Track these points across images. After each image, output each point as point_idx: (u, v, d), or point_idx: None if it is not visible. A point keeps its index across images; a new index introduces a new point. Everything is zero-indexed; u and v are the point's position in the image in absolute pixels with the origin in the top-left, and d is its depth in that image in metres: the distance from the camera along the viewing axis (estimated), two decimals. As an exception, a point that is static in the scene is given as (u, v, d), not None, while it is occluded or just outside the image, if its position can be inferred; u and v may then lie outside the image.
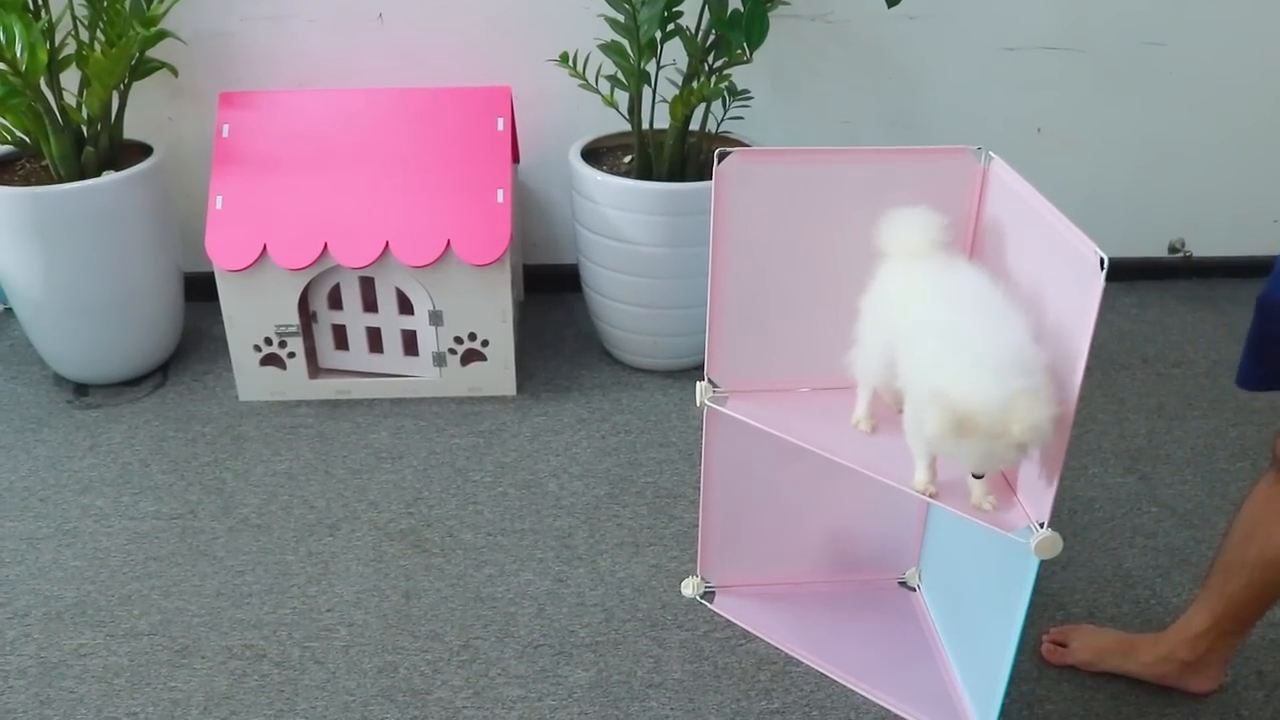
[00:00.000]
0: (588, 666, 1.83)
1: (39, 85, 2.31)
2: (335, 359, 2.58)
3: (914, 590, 2.01)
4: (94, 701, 1.76)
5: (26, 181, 2.42)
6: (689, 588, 1.99)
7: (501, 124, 2.49)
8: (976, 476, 1.46)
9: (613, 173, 2.51)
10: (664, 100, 2.49)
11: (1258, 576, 1.62)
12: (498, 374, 2.55)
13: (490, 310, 2.46)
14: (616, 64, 2.45)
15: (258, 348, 2.49)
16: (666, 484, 2.28)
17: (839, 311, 1.63)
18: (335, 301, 2.50)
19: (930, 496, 1.52)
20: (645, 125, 2.52)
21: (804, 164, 1.63)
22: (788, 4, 2.53)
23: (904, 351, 1.49)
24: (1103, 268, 1.26)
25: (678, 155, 2.51)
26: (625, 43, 2.41)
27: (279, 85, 2.70)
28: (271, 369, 2.52)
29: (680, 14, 2.39)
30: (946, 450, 1.39)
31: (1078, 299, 1.33)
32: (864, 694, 1.78)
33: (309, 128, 2.49)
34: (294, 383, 2.53)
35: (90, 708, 1.75)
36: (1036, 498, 1.47)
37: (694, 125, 2.52)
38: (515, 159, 2.69)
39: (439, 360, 2.53)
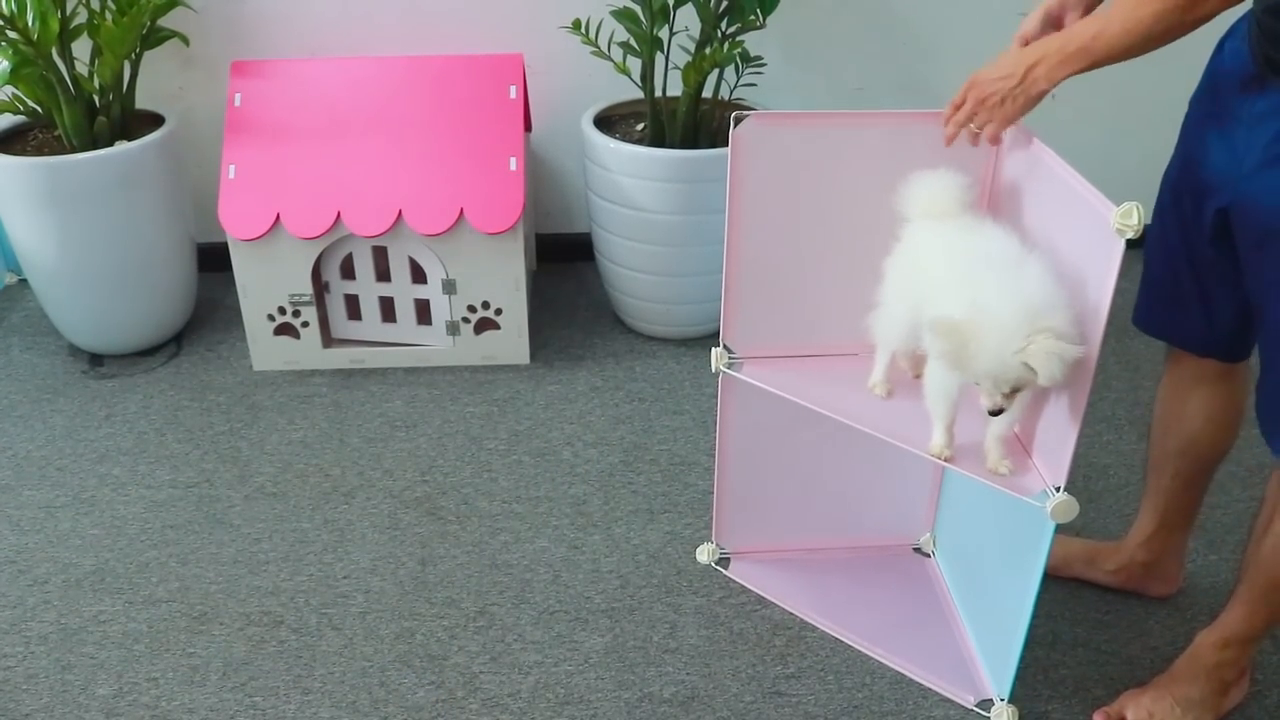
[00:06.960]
0: (603, 632, 1.84)
1: (51, 55, 2.31)
2: (348, 329, 2.58)
3: (928, 556, 2.02)
4: (114, 667, 1.78)
5: (39, 152, 2.42)
6: (704, 554, 1.99)
7: (514, 91, 2.48)
8: (992, 413, 1.41)
9: (625, 140, 2.50)
10: (676, 67, 2.48)
11: (1183, 465, 1.75)
12: (511, 342, 2.55)
13: (504, 279, 2.46)
14: (629, 30, 2.43)
15: (271, 317, 2.49)
16: (681, 451, 2.28)
17: (855, 276, 1.63)
18: (348, 271, 2.50)
19: (946, 461, 1.52)
20: (658, 92, 2.51)
21: (820, 128, 1.62)
22: (801, -32, 2.51)
23: (927, 312, 1.48)
24: (1122, 229, 1.26)
25: (690, 122, 2.49)
26: (638, 9, 2.40)
27: (291, 54, 2.68)
28: (285, 338, 2.52)
29: (693, -21, 2.38)
30: (961, 366, 1.38)
31: (1097, 262, 1.33)
32: (879, 659, 1.79)
33: (321, 96, 2.48)
34: (308, 352, 2.54)
35: (110, 673, 1.76)
36: (1053, 462, 1.46)
37: (706, 92, 2.50)
38: (528, 127, 2.68)
39: (452, 329, 2.53)
